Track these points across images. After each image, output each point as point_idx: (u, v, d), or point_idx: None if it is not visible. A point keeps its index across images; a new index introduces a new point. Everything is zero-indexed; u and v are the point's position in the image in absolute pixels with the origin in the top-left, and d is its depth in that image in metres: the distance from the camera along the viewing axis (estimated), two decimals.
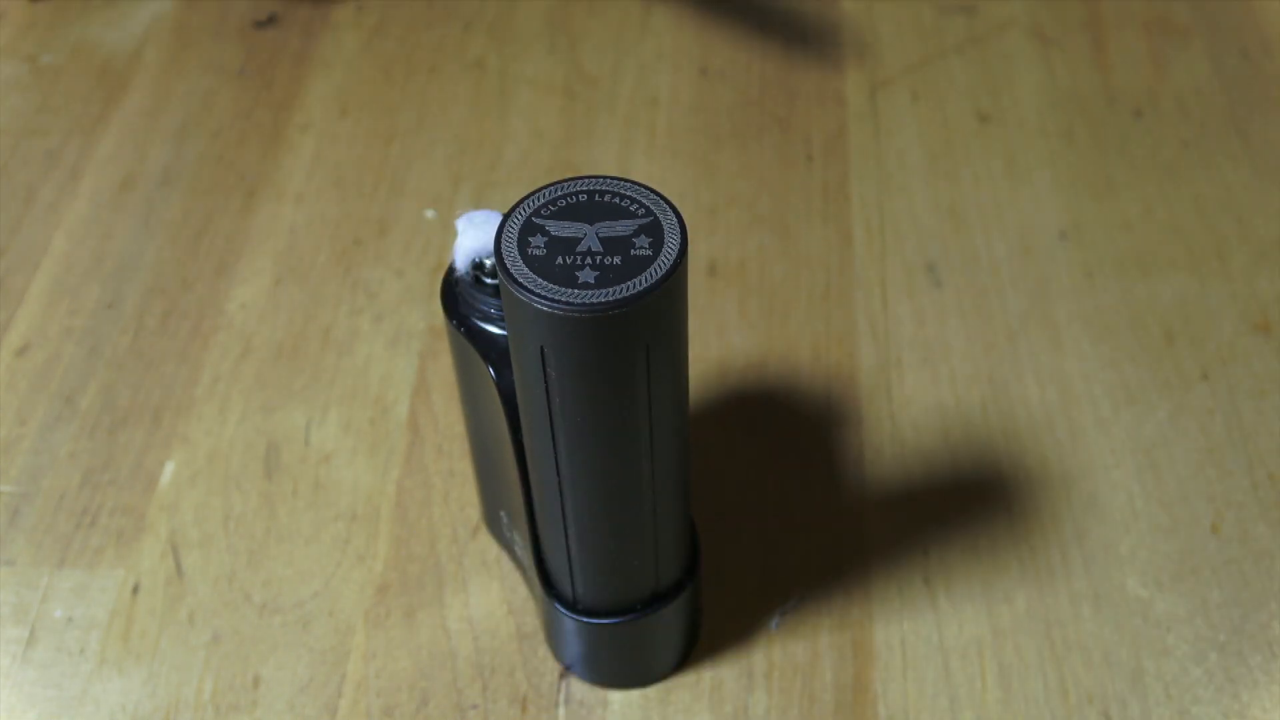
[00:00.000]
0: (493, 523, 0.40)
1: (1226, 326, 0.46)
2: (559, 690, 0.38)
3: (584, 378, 0.28)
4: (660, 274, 0.27)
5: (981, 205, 0.50)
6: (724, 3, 0.59)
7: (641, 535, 0.33)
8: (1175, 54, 0.57)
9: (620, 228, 0.28)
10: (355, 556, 0.40)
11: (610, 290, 0.27)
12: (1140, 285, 0.47)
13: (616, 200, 0.28)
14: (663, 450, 0.31)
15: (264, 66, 0.57)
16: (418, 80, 0.56)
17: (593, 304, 0.26)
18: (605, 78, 0.56)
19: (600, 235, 0.28)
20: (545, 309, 0.26)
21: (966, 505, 0.42)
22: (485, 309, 0.33)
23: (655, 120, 0.54)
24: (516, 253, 0.27)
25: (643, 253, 0.27)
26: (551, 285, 0.27)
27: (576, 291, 0.27)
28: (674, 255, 0.27)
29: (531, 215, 0.28)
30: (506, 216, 0.28)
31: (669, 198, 0.29)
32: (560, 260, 0.27)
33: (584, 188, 0.29)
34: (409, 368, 0.45)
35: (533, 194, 0.29)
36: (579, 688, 0.38)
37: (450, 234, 0.47)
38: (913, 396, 0.44)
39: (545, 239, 0.28)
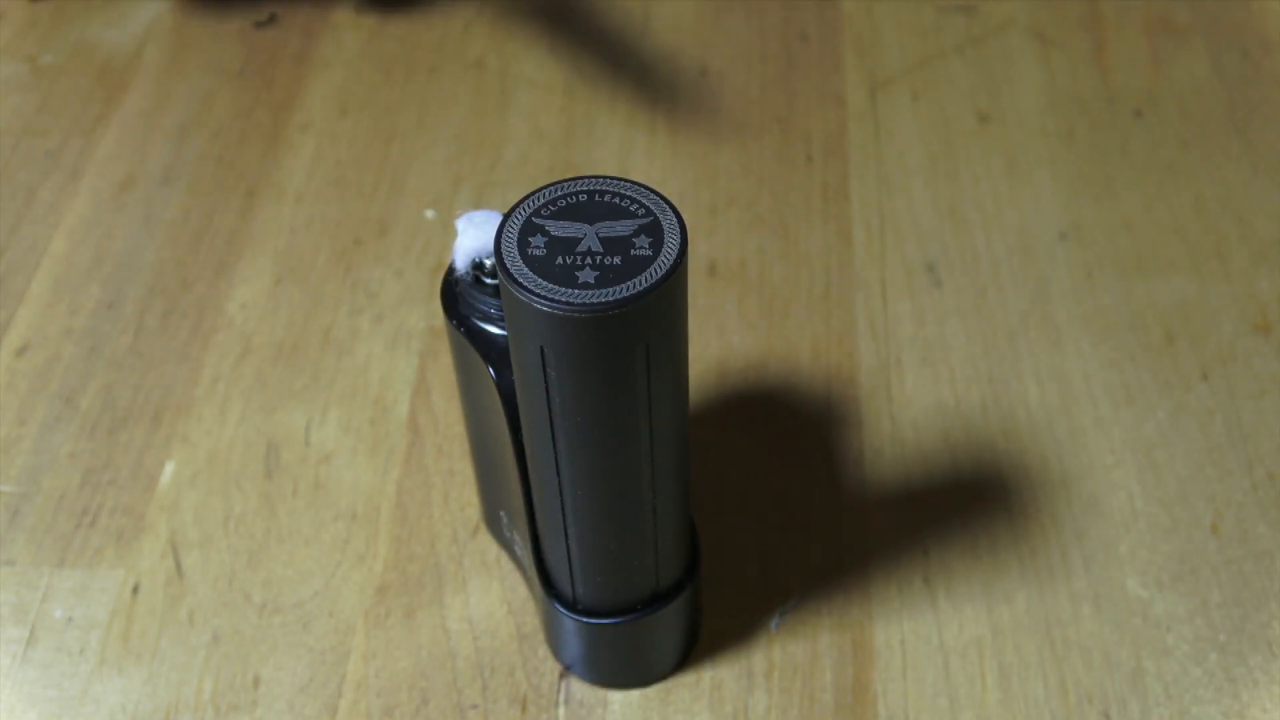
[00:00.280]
0: (493, 523, 0.40)
1: (1226, 326, 0.46)
2: (559, 690, 0.38)
3: (584, 378, 0.28)
4: (660, 274, 0.27)
5: (981, 205, 0.50)
6: (724, 2, 0.59)
7: (641, 535, 0.33)
8: (1175, 54, 0.56)
9: (620, 228, 0.28)
10: (355, 556, 0.40)
11: (610, 290, 0.27)
12: (1140, 285, 0.47)
13: (616, 200, 0.28)
14: (663, 450, 0.31)
15: (264, 67, 0.57)
16: (418, 80, 0.56)
17: (593, 304, 0.26)
18: (605, 78, 0.56)
19: (600, 235, 0.28)
20: (545, 309, 0.26)
21: (966, 505, 0.42)
22: (485, 309, 0.33)
23: (655, 120, 0.54)
24: (516, 253, 0.27)
25: (643, 253, 0.27)
26: (551, 285, 0.27)
27: (576, 291, 0.27)
28: (674, 255, 0.27)
29: (531, 215, 0.28)
30: (506, 216, 0.28)
31: (669, 198, 0.29)
32: (560, 260, 0.27)
33: (584, 188, 0.29)
34: (409, 368, 0.45)
35: (533, 194, 0.29)
36: (579, 688, 0.38)
37: (450, 234, 0.47)
38: (913, 396, 0.44)
39: (545, 239, 0.28)
